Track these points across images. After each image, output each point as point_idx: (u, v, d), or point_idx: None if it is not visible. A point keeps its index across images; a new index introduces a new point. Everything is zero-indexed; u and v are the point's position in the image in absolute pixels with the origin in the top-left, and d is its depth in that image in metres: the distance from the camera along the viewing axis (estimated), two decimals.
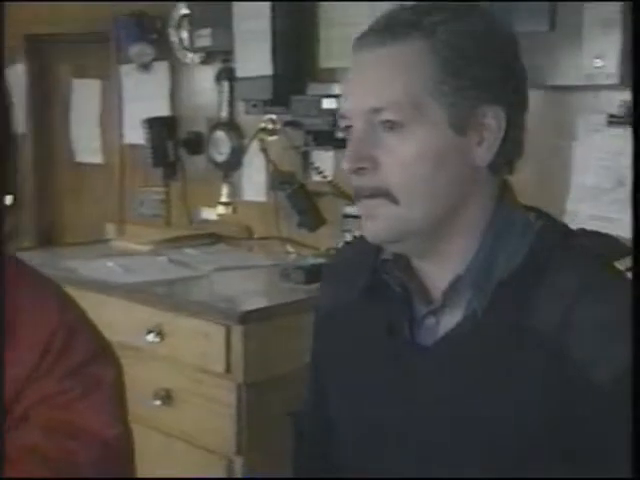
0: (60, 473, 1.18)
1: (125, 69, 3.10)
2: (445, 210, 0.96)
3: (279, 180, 2.53)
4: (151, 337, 2.12)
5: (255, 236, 2.75)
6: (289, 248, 2.58)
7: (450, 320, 0.98)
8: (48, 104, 3.65)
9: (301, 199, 2.47)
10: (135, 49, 2.95)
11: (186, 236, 2.80)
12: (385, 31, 0.95)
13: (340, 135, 2.06)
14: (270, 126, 2.56)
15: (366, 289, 1.06)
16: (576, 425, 0.90)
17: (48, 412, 1.21)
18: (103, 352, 1.28)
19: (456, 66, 0.93)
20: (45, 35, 3.49)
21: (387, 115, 0.94)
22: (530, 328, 0.92)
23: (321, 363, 1.15)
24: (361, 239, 1.06)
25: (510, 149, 0.98)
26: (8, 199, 4.03)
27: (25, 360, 1.18)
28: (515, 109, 0.98)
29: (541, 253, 0.96)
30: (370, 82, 0.96)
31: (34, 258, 2.65)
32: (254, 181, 2.73)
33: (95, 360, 1.25)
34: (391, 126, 0.94)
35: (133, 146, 3.13)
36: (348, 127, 0.98)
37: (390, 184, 0.94)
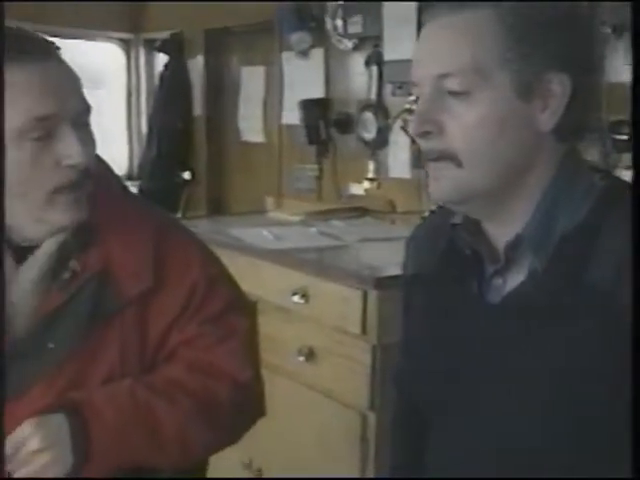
0: (200, 407, 1.24)
1: (286, 56, 3.19)
2: (507, 174, 0.95)
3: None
4: (296, 298, 2.19)
5: (398, 210, 2.77)
6: None
7: (516, 279, 0.97)
8: (220, 90, 3.82)
9: None
10: (295, 37, 3.04)
11: (335, 209, 2.86)
12: (454, 1, 0.94)
13: None
14: (414, 107, 2.55)
15: (444, 252, 1.06)
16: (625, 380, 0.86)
17: (190, 352, 1.27)
18: (239, 304, 1.34)
19: (521, 33, 0.91)
20: (220, 29, 3.65)
21: (453, 81, 0.92)
22: (587, 284, 0.90)
23: (410, 318, 1.16)
24: (444, 207, 1.07)
25: (578, 117, 0.95)
26: (186, 174, 4.26)
27: (172, 306, 1.25)
28: (583, 77, 0.94)
29: (600, 212, 0.94)
30: (437, 49, 0.95)
31: (204, 225, 2.84)
32: (399, 159, 2.74)
33: (232, 311, 1.31)
34: (456, 91, 0.93)
35: (291, 126, 3.22)
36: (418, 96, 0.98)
37: (455, 148, 0.94)
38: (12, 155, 1.10)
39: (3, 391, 1.07)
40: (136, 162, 4.31)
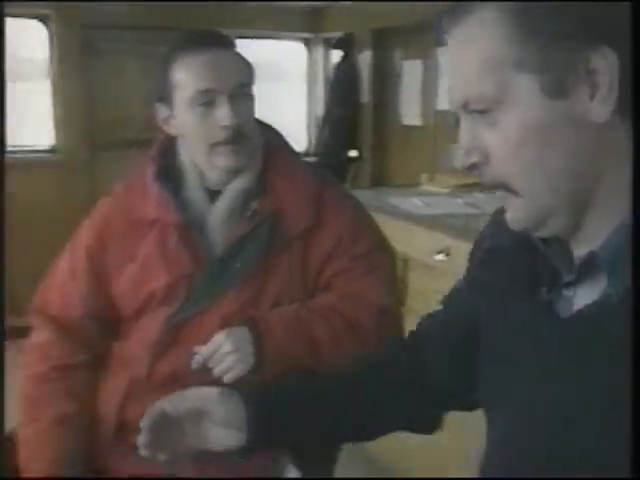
0: (350, 326, 1.32)
1: (441, 50, 3.34)
2: (574, 186, 0.74)
3: None
4: (440, 257, 2.33)
5: None
6: None
7: (588, 296, 0.77)
8: (384, 81, 4.03)
9: None
10: None
11: (479, 183, 2.97)
12: (454, 14, 0.76)
13: None
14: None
15: (518, 240, 0.84)
16: None
17: (342, 283, 1.36)
18: (382, 245, 1.43)
19: (530, 27, 0.71)
20: (385, 28, 3.85)
21: (474, 105, 0.75)
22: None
23: (475, 285, 0.96)
24: None
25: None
26: (354, 152, 4.54)
27: (328, 242, 1.36)
28: (627, 43, 0.70)
29: None
30: (451, 74, 0.79)
31: (367, 195, 3.02)
32: None
33: (377, 250, 1.40)
34: (484, 116, 0.75)
35: (444, 111, 3.40)
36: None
37: (503, 176, 0.76)
38: (186, 117, 1.32)
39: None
40: (313, 141, 4.62)
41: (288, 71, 4.63)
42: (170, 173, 1.39)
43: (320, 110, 4.45)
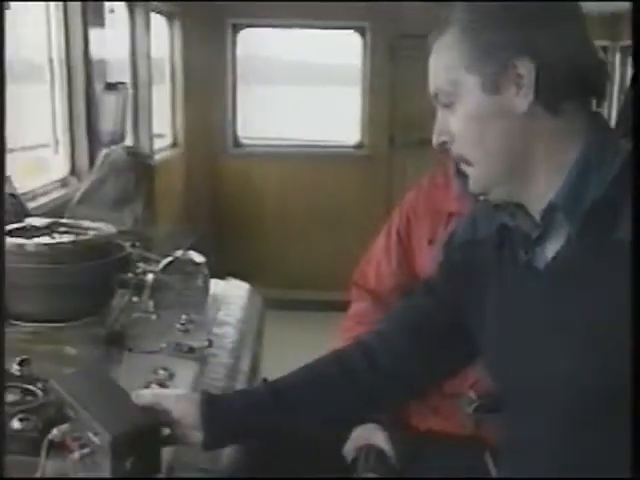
0: None
1: None
2: (507, 160, 0.97)
3: None
4: None
5: None
6: None
7: (556, 245, 0.97)
8: None
9: None
10: None
11: None
12: (436, 31, 1.00)
13: None
14: None
15: (498, 228, 1.05)
16: None
17: None
18: None
19: (474, 39, 0.95)
20: None
21: (441, 97, 1.00)
22: (618, 240, 0.89)
23: (454, 277, 1.14)
24: None
25: (561, 89, 0.93)
26: None
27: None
28: (549, 53, 0.92)
29: (627, 173, 0.92)
30: (429, 74, 1.02)
31: None
32: None
33: None
34: (445, 105, 0.99)
35: None
36: None
37: (461, 150, 0.99)
38: None
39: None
40: None
41: None
42: None
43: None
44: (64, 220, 1.66)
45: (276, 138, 5.59)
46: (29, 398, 1.14)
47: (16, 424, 1.07)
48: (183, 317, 1.65)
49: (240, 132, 4.90)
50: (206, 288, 1.85)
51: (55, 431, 1.04)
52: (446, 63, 0.98)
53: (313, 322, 3.82)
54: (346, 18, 4.67)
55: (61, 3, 2.65)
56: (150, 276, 1.73)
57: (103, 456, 0.98)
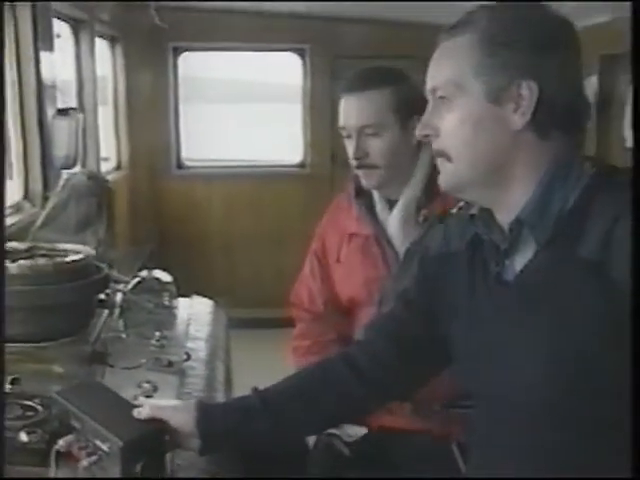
0: None
1: None
2: (489, 166, 1.03)
3: None
4: None
5: None
6: None
7: (524, 258, 1.03)
8: (610, 104, 4.15)
9: None
10: None
11: None
12: (450, 29, 1.06)
13: None
14: None
15: (470, 241, 1.12)
16: (622, 343, 0.89)
17: None
18: None
19: (490, 50, 1.01)
20: (612, 55, 4.00)
21: (439, 92, 1.05)
22: (581, 256, 0.95)
23: (430, 289, 1.20)
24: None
25: (556, 117, 1.01)
26: None
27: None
28: (553, 82, 1.00)
29: (591, 193, 0.98)
30: (432, 68, 1.08)
31: None
32: None
33: None
34: (443, 100, 1.04)
35: None
36: None
37: (445, 146, 1.04)
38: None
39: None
40: None
41: None
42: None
43: None
44: (42, 244, 1.70)
45: (220, 159, 5.66)
46: (30, 413, 1.19)
47: (23, 437, 1.12)
48: (157, 334, 1.71)
49: (184, 153, 4.94)
50: (173, 305, 1.92)
51: (61, 442, 1.10)
52: (455, 64, 1.03)
53: (259, 339, 3.89)
54: (285, 41, 4.80)
55: (12, 22, 2.66)
56: (119, 296, 1.80)
57: (112, 462, 1.05)
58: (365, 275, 1.72)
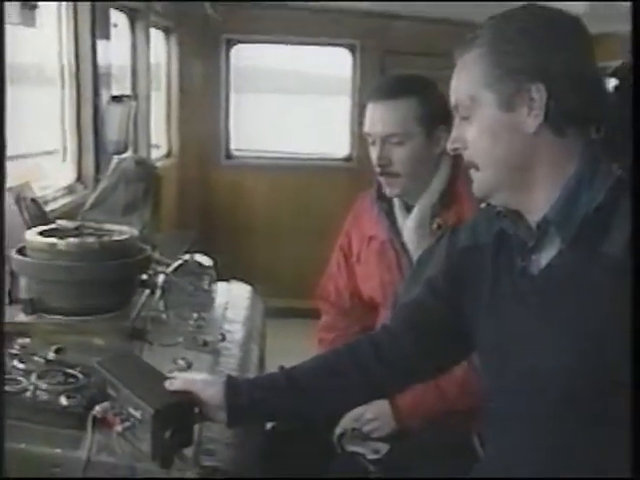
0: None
1: None
2: (512, 170, 1.07)
3: None
4: None
5: None
6: None
7: (549, 254, 1.08)
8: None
9: None
10: None
11: None
12: (463, 45, 1.11)
13: None
14: None
15: (496, 235, 1.17)
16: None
17: None
18: None
19: (497, 61, 1.06)
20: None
21: (460, 106, 1.11)
22: (605, 253, 0.99)
23: (455, 279, 1.24)
24: None
25: (569, 114, 1.04)
26: None
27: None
28: (561, 81, 1.03)
29: (617, 193, 1.02)
30: (452, 84, 1.13)
31: None
32: None
33: None
34: (463, 116, 1.11)
35: None
36: None
37: (472, 157, 1.11)
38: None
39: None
40: None
41: None
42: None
43: None
44: (90, 223, 1.78)
45: (267, 150, 5.72)
46: (71, 380, 1.26)
47: (63, 401, 1.20)
48: (195, 315, 1.78)
49: (233, 144, 5.02)
50: (213, 289, 1.98)
51: (98, 408, 1.17)
52: (468, 78, 1.09)
53: (295, 328, 3.95)
54: (336, 36, 4.83)
55: (72, 12, 2.76)
56: (161, 277, 1.87)
57: (143, 429, 1.11)
58: (380, 278, 1.78)
